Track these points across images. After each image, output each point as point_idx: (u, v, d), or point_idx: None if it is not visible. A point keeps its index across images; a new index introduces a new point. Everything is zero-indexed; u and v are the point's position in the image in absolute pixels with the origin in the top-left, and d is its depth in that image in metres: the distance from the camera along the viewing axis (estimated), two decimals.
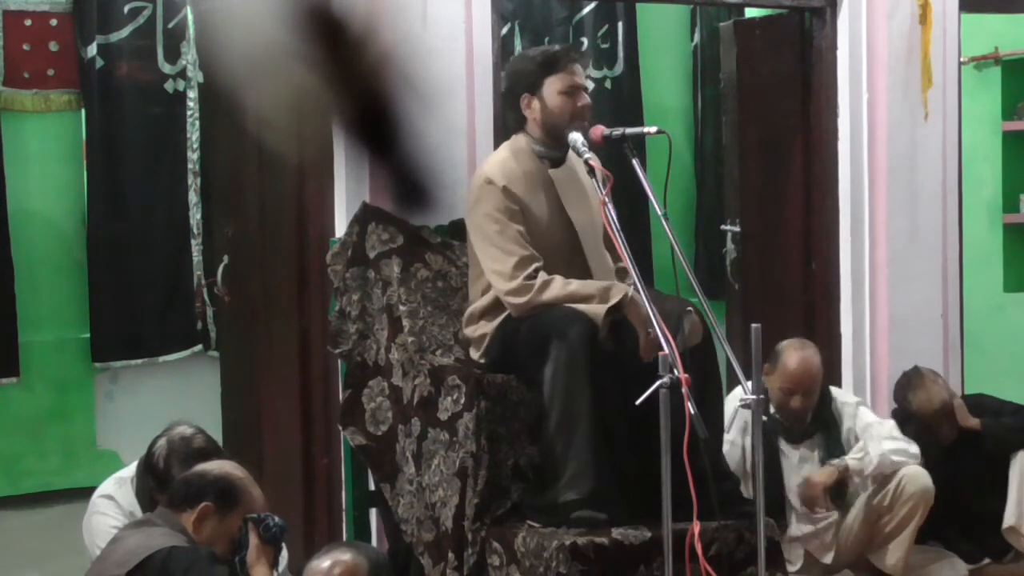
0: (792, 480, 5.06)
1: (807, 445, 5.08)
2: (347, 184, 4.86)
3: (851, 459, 4.99)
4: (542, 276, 4.22)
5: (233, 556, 3.63)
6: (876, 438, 5.02)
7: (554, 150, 4.36)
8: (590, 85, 4.45)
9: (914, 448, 5.06)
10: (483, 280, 4.38)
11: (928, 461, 5.14)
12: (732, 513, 4.14)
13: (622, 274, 4.45)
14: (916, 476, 5.00)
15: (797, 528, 5.07)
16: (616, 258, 4.45)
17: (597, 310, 4.13)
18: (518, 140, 4.42)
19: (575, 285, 4.19)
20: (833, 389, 5.25)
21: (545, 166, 4.38)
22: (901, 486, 4.99)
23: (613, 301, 4.11)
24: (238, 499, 3.70)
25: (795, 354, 5.00)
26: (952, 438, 5.32)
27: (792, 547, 5.06)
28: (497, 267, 4.26)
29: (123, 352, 7.04)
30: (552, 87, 4.33)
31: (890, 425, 5.13)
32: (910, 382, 5.38)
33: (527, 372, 4.24)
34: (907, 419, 5.30)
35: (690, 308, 4.10)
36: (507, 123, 4.55)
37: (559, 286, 4.19)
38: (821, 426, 5.07)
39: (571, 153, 4.33)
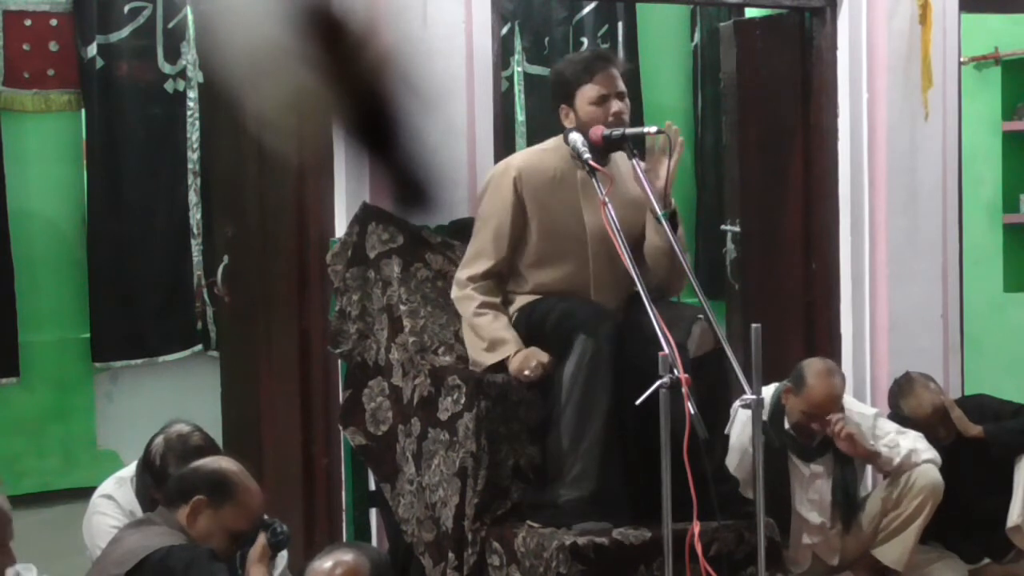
0: (802, 495, 5.05)
1: (819, 462, 5.07)
2: (347, 184, 4.86)
3: (883, 446, 5.00)
4: (473, 290, 4.39)
5: (235, 550, 3.64)
6: (909, 437, 5.05)
7: (594, 153, 4.34)
8: (623, 87, 4.41)
9: (936, 455, 5.08)
10: None
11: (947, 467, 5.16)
12: (732, 514, 4.14)
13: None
14: (927, 471, 5.01)
15: (807, 538, 5.08)
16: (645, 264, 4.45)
17: (481, 359, 4.35)
18: (559, 138, 4.45)
19: (478, 321, 4.37)
20: (847, 400, 5.20)
21: (578, 166, 4.37)
22: (912, 480, 5.01)
23: (490, 361, 4.31)
24: (232, 492, 3.70)
25: (821, 381, 4.96)
26: (950, 439, 5.31)
27: (801, 550, 5.06)
28: (463, 265, 4.50)
29: (123, 352, 7.04)
30: (583, 98, 4.34)
31: (915, 434, 5.12)
32: (900, 389, 5.38)
33: None
34: (902, 425, 5.30)
35: (700, 315, 4.10)
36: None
37: (470, 312, 4.40)
38: (833, 443, 5.05)
39: (618, 160, 4.32)
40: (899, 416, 5.33)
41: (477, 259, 4.44)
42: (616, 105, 4.32)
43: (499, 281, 4.45)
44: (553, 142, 4.50)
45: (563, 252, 4.40)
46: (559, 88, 4.45)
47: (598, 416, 4.14)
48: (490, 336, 4.34)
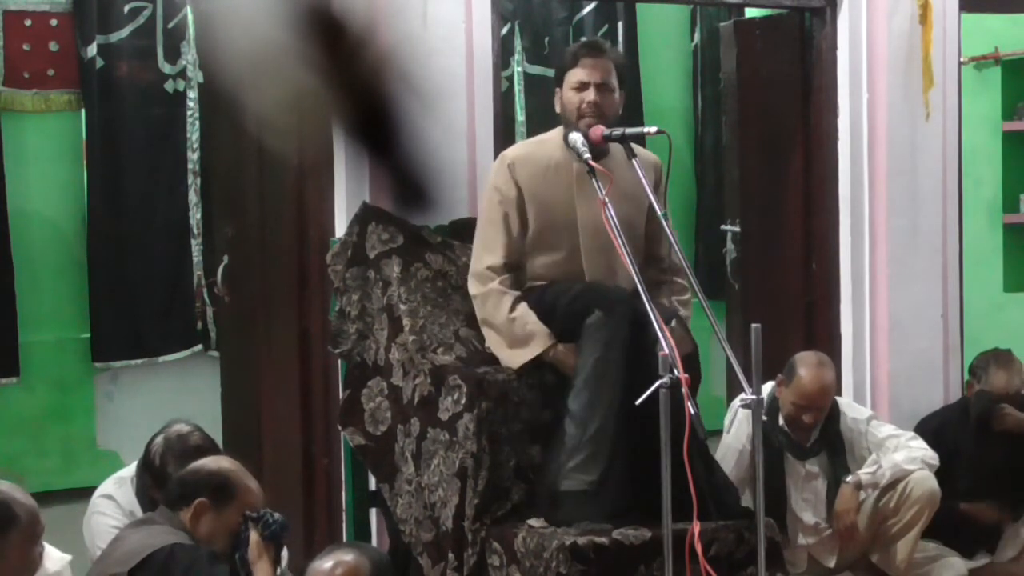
0: (797, 495, 5.06)
1: (814, 461, 5.08)
2: (347, 184, 4.86)
3: (864, 473, 5.01)
4: (500, 283, 4.34)
5: (233, 553, 3.64)
6: (889, 450, 5.04)
7: (593, 149, 4.33)
8: (613, 81, 4.42)
9: (931, 456, 5.07)
10: None
11: (974, 440, 5.36)
12: (731, 516, 4.15)
13: (659, 273, 4.47)
14: (923, 479, 5.01)
15: (802, 539, 5.09)
16: (650, 258, 4.46)
17: (512, 359, 4.28)
18: (559, 128, 4.49)
19: (505, 320, 4.30)
20: (843, 403, 5.22)
21: (573, 157, 4.38)
22: (908, 489, 5.00)
23: (522, 360, 4.25)
24: (233, 493, 3.70)
25: (811, 372, 4.96)
26: (1002, 428, 5.42)
27: (796, 552, 5.07)
28: (476, 259, 4.45)
29: (123, 352, 7.04)
30: (568, 82, 4.39)
31: (909, 435, 5.14)
32: (998, 358, 5.48)
33: (559, 340, 4.25)
34: (975, 395, 5.45)
35: (674, 322, 4.10)
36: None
37: (490, 309, 4.34)
38: (827, 444, 5.07)
39: (616, 152, 4.31)
40: (977, 378, 5.44)
41: (492, 248, 4.39)
42: (592, 95, 4.33)
43: (518, 273, 4.41)
44: (552, 133, 4.53)
45: (555, 241, 4.39)
46: (556, 73, 4.53)
47: (609, 399, 4.12)
48: (516, 333, 4.29)
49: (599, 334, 4.15)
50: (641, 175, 4.11)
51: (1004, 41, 7.25)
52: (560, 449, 4.19)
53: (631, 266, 3.88)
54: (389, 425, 4.58)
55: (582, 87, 4.35)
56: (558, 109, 4.46)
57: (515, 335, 4.30)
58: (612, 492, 4.13)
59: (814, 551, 5.13)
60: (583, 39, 4.51)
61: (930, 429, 5.35)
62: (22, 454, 6.88)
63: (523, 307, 4.32)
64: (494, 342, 4.37)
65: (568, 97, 4.37)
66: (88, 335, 6.99)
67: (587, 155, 4.16)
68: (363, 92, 1.94)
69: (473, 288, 4.43)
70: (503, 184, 4.40)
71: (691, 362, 4.15)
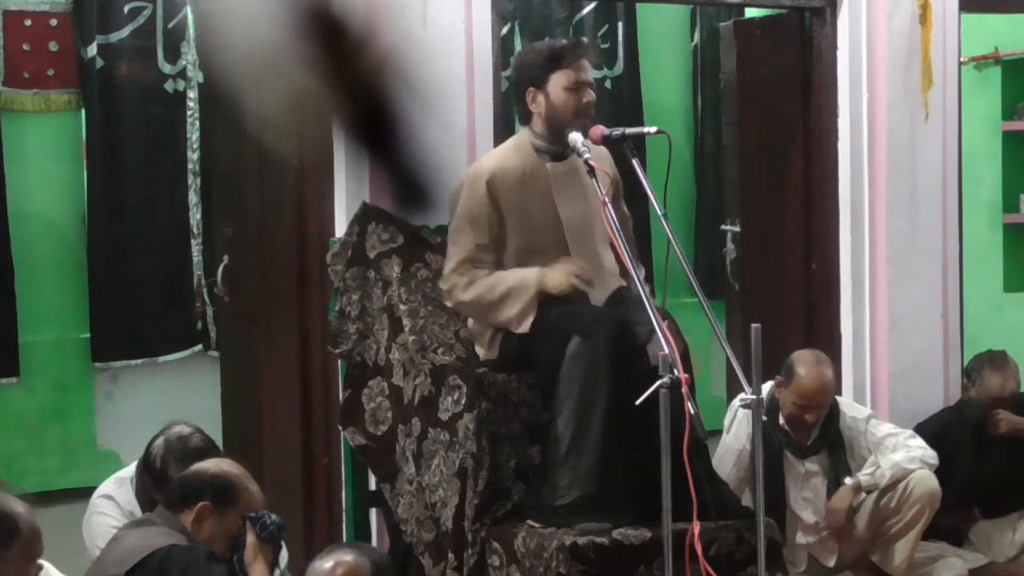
0: (797, 494, 5.06)
1: (814, 460, 5.08)
2: (347, 184, 4.86)
3: (863, 475, 5.01)
4: (470, 276, 4.32)
5: (231, 555, 3.63)
6: (888, 450, 5.04)
7: (554, 144, 4.37)
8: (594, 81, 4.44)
9: (930, 455, 5.08)
10: None
11: (973, 443, 5.39)
12: (729, 515, 4.14)
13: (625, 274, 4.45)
14: (924, 479, 5.01)
15: (802, 537, 5.09)
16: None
17: (509, 312, 4.24)
18: (522, 134, 4.47)
19: (480, 288, 4.28)
20: (843, 402, 5.22)
21: (544, 160, 4.39)
22: (909, 489, 5.00)
23: (520, 306, 4.22)
24: (235, 497, 3.70)
25: (811, 371, 4.97)
26: (997, 432, 5.44)
27: (796, 551, 5.07)
28: (445, 264, 4.42)
29: (123, 352, 7.04)
30: (557, 83, 4.34)
31: (908, 434, 5.14)
32: (993, 361, 5.51)
33: (543, 369, 4.24)
34: (968, 399, 5.49)
35: (666, 323, 4.09)
36: (516, 115, 4.59)
37: (468, 294, 4.30)
38: (827, 443, 5.07)
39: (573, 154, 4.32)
40: (973, 382, 5.48)
41: (458, 268, 4.37)
42: (589, 95, 4.33)
43: (478, 263, 4.38)
44: (516, 139, 4.49)
45: (543, 247, 4.37)
46: (529, 71, 4.43)
47: (597, 419, 4.12)
48: (505, 288, 4.25)
49: (581, 362, 4.13)
50: (641, 174, 4.11)
51: (1004, 41, 7.25)
52: (552, 471, 4.18)
53: (631, 265, 3.88)
54: (390, 425, 4.58)
55: (578, 87, 4.34)
56: (537, 110, 4.39)
57: (499, 296, 4.27)
58: (610, 506, 4.12)
59: (814, 550, 5.13)
60: (554, 41, 4.50)
61: (930, 432, 5.34)
62: (22, 454, 6.88)
63: (487, 276, 4.30)
64: (485, 317, 4.33)
65: (561, 98, 4.33)
66: (88, 335, 6.99)
67: (587, 155, 4.15)
68: (363, 92, 1.94)
69: (444, 298, 4.45)
70: (480, 200, 4.34)
71: (682, 362, 4.15)
